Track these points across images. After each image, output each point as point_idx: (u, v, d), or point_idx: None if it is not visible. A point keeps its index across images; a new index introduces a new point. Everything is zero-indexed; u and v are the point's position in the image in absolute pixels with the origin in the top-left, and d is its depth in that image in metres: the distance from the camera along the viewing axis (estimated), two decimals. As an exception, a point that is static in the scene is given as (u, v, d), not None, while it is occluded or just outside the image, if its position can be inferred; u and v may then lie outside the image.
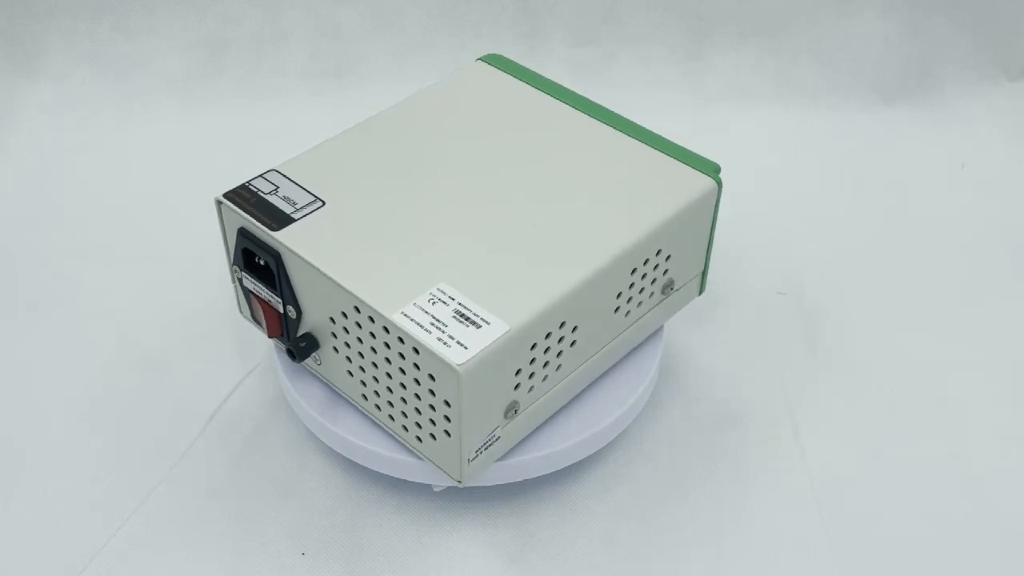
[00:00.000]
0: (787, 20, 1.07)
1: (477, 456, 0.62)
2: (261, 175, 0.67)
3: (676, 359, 0.81)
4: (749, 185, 0.99)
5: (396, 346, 0.59)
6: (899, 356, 0.83)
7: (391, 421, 0.64)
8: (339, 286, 0.60)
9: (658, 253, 0.66)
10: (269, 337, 0.68)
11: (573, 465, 0.70)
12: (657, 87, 1.07)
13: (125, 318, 0.84)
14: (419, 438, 0.63)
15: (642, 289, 0.67)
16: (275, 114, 1.04)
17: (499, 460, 0.65)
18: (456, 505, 0.71)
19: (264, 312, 0.67)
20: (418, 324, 0.58)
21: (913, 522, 0.71)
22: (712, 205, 0.69)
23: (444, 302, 0.59)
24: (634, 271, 0.65)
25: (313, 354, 0.66)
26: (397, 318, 0.58)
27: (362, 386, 0.64)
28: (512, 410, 0.62)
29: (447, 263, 0.62)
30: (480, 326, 0.58)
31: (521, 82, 0.77)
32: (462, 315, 0.58)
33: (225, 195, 0.66)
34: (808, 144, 1.04)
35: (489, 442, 0.62)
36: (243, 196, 0.66)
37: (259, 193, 0.66)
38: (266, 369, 0.80)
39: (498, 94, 0.75)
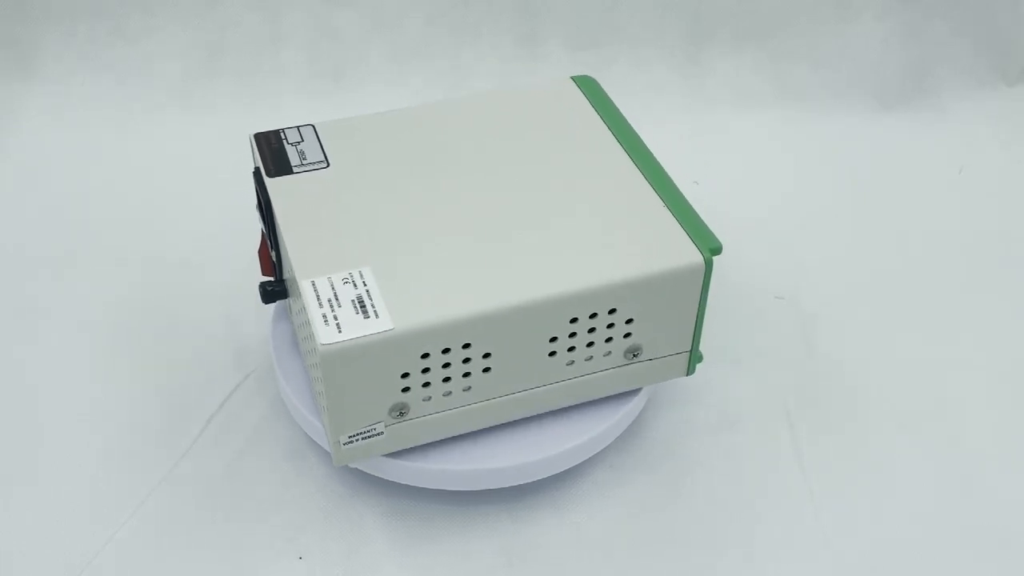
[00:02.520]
0: (785, 23, 1.07)
1: (352, 442, 0.62)
2: (298, 126, 0.71)
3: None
4: (747, 189, 0.99)
5: (303, 312, 0.60)
6: (897, 359, 0.83)
7: (313, 385, 0.66)
8: (284, 239, 0.63)
9: (612, 312, 0.62)
10: (262, 274, 0.71)
11: (571, 469, 0.70)
12: (656, 90, 1.07)
13: (123, 319, 0.84)
14: (321, 408, 0.64)
15: (591, 343, 0.63)
16: (273, 116, 1.04)
17: (496, 464, 0.65)
18: (454, 509, 0.71)
19: (261, 250, 0.71)
20: (317, 296, 0.59)
21: (911, 525, 0.71)
22: (698, 283, 0.63)
23: (355, 285, 0.60)
24: (575, 321, 0.62)
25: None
26: (304, 284, 0.60)
27: (303, 345, 0.67)
28: (399, 411, 0.62)
29: (391, 252, 0.62)
30: (368, 317, 0.58)
31: (591, 108, 0.73)
32: (360, 302, 0.59)
33: (257, 134, 0.70)
34: (806, 148, 1.04)
35: (368, 433, 0.62)
36: (268, 140, 0.70)
37: (284, 141, 0.70)
38: (264, 372, 0.80)
39: (558, 112, 0.73)
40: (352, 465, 0.69)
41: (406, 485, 0.69)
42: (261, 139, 0.70)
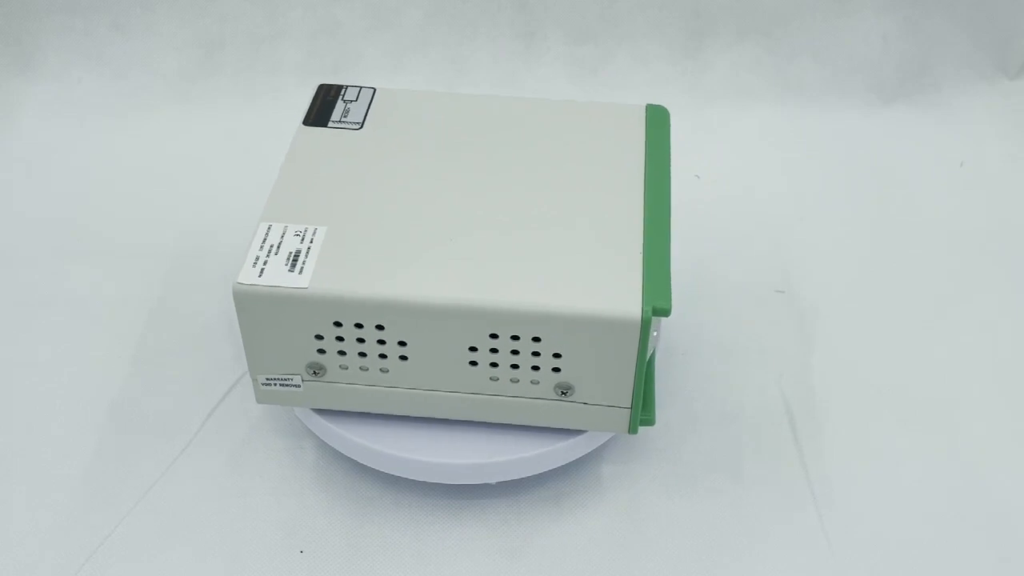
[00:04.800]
0: (785, 18, 1.07)
1: (271, 385, 0.64)
2: (362, 87, 0.74)
3: (673, 357, 0.81)
4: (746, 183, 0.99)
5: None
6: (897, 354, 0.83)
7: None
8: (275, 182, 0.66)
9: (536, 340, 0.60)
10: None
11: (571, 463, 0.70)
12: (655, 86, 1.07)
13: (122, 316, 0.84)
14: None
15: (516, 366, 0.62)
16: (272, 112, 1.04)
17: (497, 459, 0.65)
18: (454, 502, 0.71)
19: None
20: (263, 239, 0.62)
21: (912, 521, 0.71)
22: (632, 339, 0.59)
23: (301, 239, 0.62)
24: (495, 337, 0.60)
25: None
26: (260, 225, 0.63)
27: None
28: (314, 370, 0.63)
29: (355, 221, 0.63)
30: (293, 271, 0.60)
31: (641, 138, 0.70)
32: (295, 256, 0.61)
33: (322, 85, 0.74)
34: (806, 143, 1.04)
35: (285, 382, 0.64)
36: (328, 92, 0.73)
37: (340, 96, 0.73)
38: (264, 367, 0.80)
39: (606, 134, 0.71)
40: (354, 458, 0.69)
41: (407, 479, 0.69)
42: (322, 90, 0.74)
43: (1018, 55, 1.08)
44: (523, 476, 0.68)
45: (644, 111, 0.73)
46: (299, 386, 0.64)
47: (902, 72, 1.08)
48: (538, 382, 0.63)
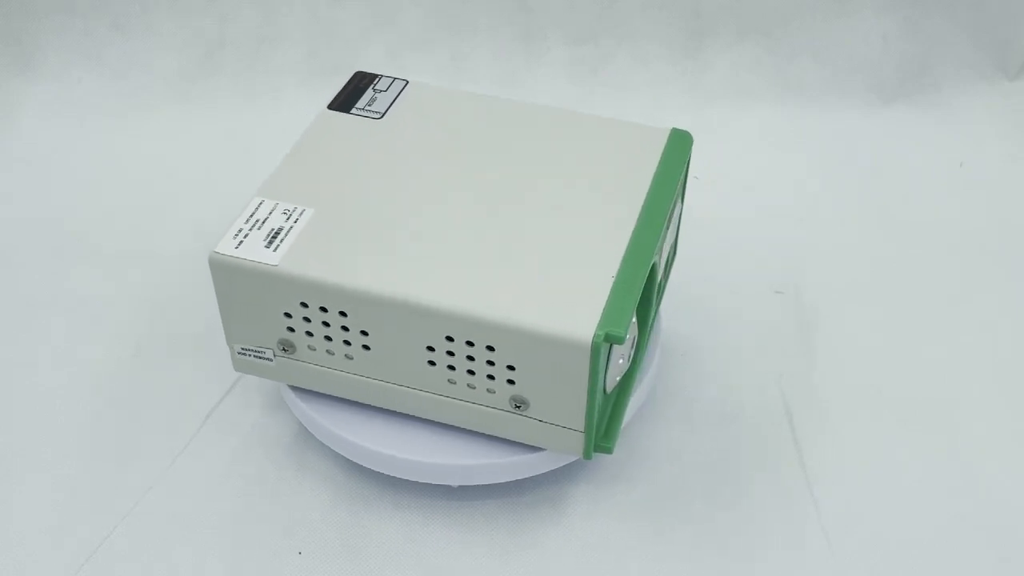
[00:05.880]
0: (785, 19, 1.07)
1: (246, 355, 0.66)
2: (395, 78, 0.75)
3: (673, 357, 0.81)
4: (746, 183, 0.99)
5: None
6: (897, 355, 0.82)
7: None
8: (283, 159, 0.68)
9: (491, 349, 0.59)
10: None
11: (569, 465, 0.70)
12: (655, 86, 1.07)
13: (122, 316, 0.84)
14: None
15: (472, 372, 0.61)
16: (272, 112, 1.04)
17: (494, 460, 0.65)
18: (452, 504, 0.71)
19: None
20: (251, 213, 0.64)
21: (911, 521, 0.71)
22: (583, 362, 0.57)
23: (288, 218, 0.63)
24: (451, 340, 0.60)
25: None
26: (253, 199, 0.65)
27: None
28: (284, 347, 0.65)
29: (344, 207, 0.64)
30: (268, 248, 0.61)
31: (655, 160, 0.68)
32: (276, 233, 0.62)
33: (359, 72, 0.75)
34: (806, 143, 1.04)
35: (259, 354, 0.66)
36: (361, 79, 0.75)
37: (371, 85, 0.74)
38: (263, 367, 0.80)
39: (623, 152, 0.69)
40: (352, 459, 0.69)
41: (405, 480, 0.69)
42: (357, 77, 0.75)
43: (1018, 56, 1.08)
44: (520, 478, 0.68)
45: (667, 135, 0.71)
46: (271, 360, 0.66)
47: (902, 72, 1.08)
48: (494, 391, 0.62)
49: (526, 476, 0.68)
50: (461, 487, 0.71)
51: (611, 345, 0.60)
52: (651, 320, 0.71)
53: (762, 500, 0.72)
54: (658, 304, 0.73)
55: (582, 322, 0.57)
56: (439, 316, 0.59)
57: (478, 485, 0.71)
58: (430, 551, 0.69)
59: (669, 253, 0.73)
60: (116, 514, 0.70)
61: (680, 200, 0.72)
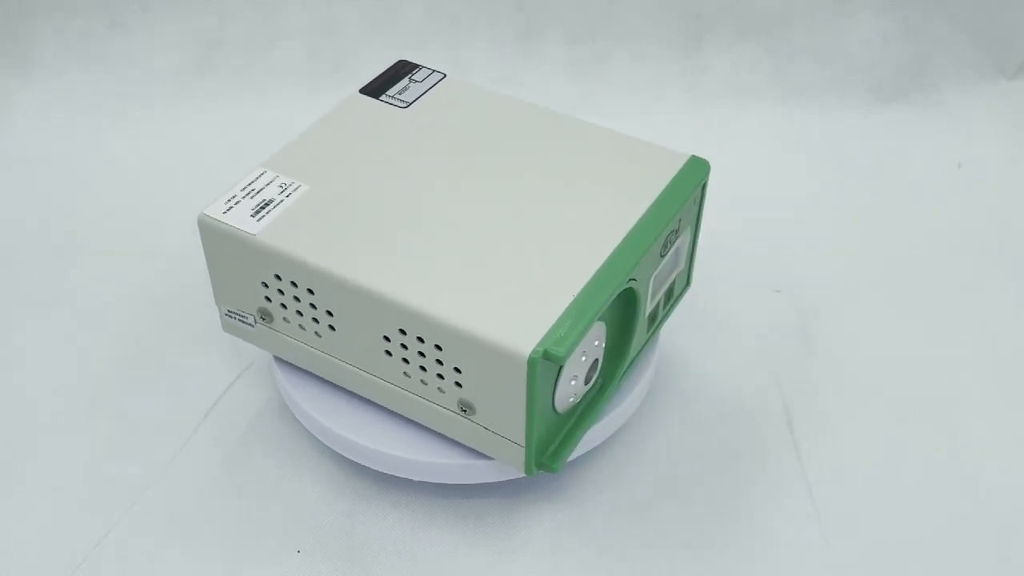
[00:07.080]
0: (785, 19, 1.07)
1: (232, 318, 0.68)
2: (433, 69, 0.76)
3: (672, 357, 0.81)
4: (745, 183, 0.99)
5: None
6: (896, 354, 0.82)
7: None
8: (301, 135, 0.70)
9: (439, 348, 0.59)
10: None
11: (568, 464, 0.70)
12: (654, 85, 1.07)
13: (120, 316, 0.84)
14: None
15: (423, 368, 0.61)
16: (271, 111, 1.04)
17: (494, 459, 0.65)
18: (451, 502, 0.71)
19: None
20: (250, 182, 0.65)
21: (911, 521, 0.71)
22: (520, 376, 0.56)
23: (282, 191, 0.65)
24: (404, 333, 0.60)
25: None
26: (255, 169, 0.67)
27: None
28: (262, 315, 0.66)
29: (338, 189, 0.65)
30: (254, 217, 0.63)
31: (662, 184, 0.66)
32: (265, 204, 0.64)
33: (401, 60, 0.77)
34: (805, 143, 1.04)
35: (242, 318, 0.68)
36: (400, 68, 0.76)
37: (409, 74, 0.75)
38: (261, 366, 0.80)
39: (636, 171, 0.67)
40: (351, 458, 0.69)
41: (403, 478, 0.69)
42: (398, 65, 0.76)
43: (1017, 55, 1.08)
44: (518, 476, 0.68)
45: (684, 160, 0.69)
46: (253, 326, 0.68)
47: (901, 72, 1.08)
48: (444, 391, 0.62)
49: (524, 476, 0.68)
50: (459, 485, 0.71)
51: (559, 365, 0.59)
52: (630, 348, 0.67)
53: (762, 500, 0.72)
54: (652, 334, 0.71)
55: (525, 336, 0.56)
56: (392, 307, 0.59)
57: (477, 484, 0.70)
58: (429, 550, 0.69)
59: (672, 283, 0.71)
60: (113, 514, 0.70)
61: (690, 229, 0.70)
